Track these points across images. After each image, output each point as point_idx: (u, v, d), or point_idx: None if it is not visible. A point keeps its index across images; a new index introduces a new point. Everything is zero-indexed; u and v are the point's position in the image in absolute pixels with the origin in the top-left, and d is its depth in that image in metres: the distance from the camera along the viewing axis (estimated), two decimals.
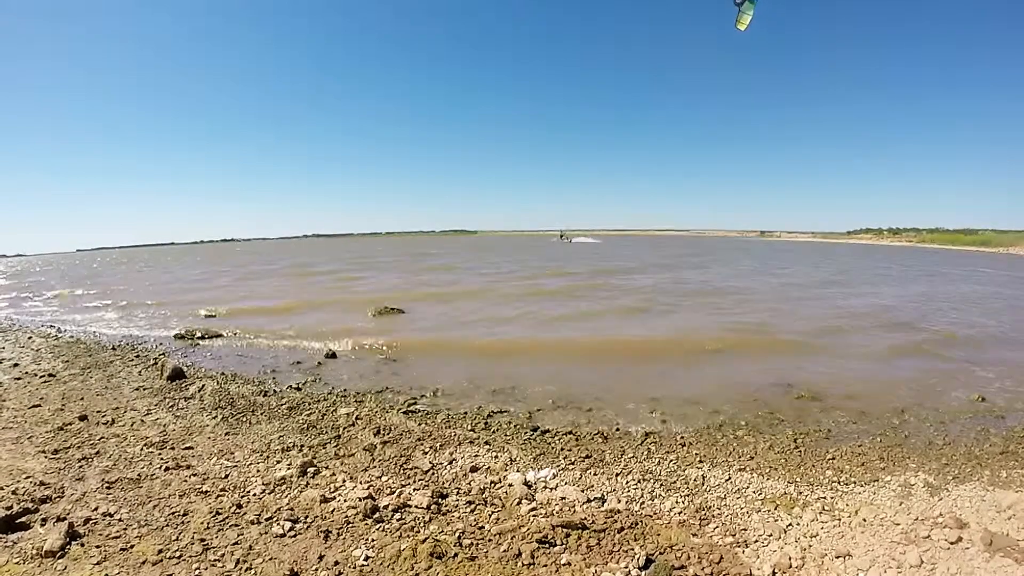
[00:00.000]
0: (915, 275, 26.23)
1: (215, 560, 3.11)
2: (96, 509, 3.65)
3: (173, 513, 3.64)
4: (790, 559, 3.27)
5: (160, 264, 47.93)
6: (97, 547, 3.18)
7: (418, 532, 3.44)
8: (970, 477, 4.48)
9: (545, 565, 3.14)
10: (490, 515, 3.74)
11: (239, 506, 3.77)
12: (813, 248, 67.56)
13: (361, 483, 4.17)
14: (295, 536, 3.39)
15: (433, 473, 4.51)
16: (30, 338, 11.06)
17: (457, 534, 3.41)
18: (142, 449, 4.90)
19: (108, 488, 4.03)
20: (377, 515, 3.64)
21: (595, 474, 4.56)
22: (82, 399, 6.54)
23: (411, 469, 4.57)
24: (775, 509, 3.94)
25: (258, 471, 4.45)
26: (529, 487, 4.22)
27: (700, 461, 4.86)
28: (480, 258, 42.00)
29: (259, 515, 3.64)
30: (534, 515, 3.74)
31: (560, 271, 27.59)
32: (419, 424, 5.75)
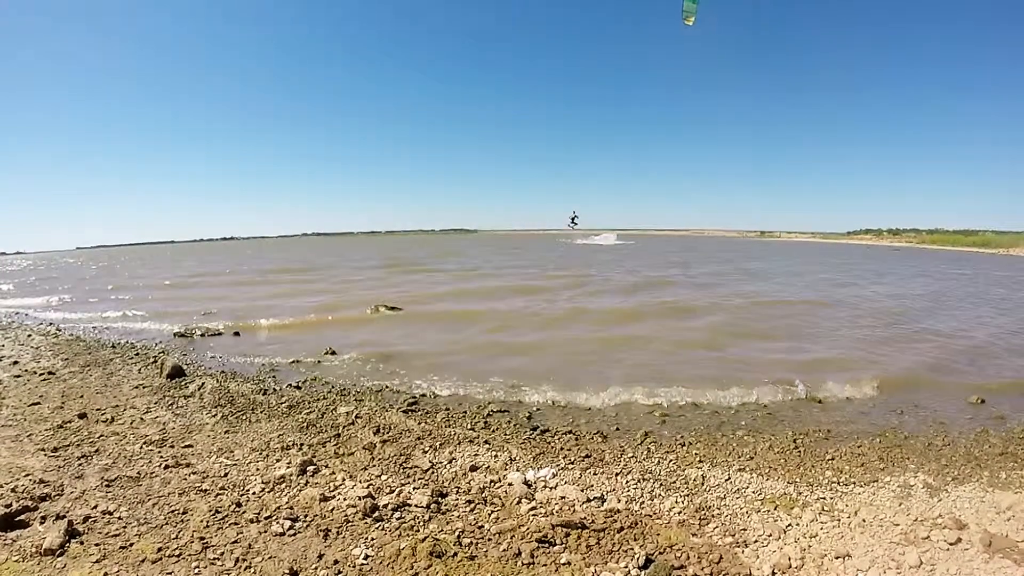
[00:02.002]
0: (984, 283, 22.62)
1: (214, 558, 3.11)
2: (95, 507, 3.64)
3: (172, 511, 3.63)
4: (790, 559, 3.28)
5: (162, 263, 47.89)
6: (96, 545, 3.17)
7: (418, 531, 3.44)
8: (969, 478, 4.49)
9: (545, 564, 3.14)
10: (490, 514, 3.74)
11: (238, 504, 3.76)
12: (830, 249, 65.00)
13: (361, 482, 4.17)
14: (294, 535, 3.39)
15: (433, 472, 4.51)
16: (29, 336, 11.05)
17: (457, 533, 3.41)
18: (142, 447, 4.90)
19: (107, 486, 4.02)
20: (377, 514, 3.64)
21: (595, 474, 4.56)
22: (82, 397, 6.54)
23: (411, 468, 4.56)
24: (775, 509, 3.95)
25: (258, 469, 4.44)
26: (529, 486, 4.22)
27: (700, 461, 4.86)
28: (496, 261, 38.09)
29: (259, 513, 3.64)
30: (534, 514, 3.74)
31: (586, 280, 22.57)
32: (419, 423, 5.75)
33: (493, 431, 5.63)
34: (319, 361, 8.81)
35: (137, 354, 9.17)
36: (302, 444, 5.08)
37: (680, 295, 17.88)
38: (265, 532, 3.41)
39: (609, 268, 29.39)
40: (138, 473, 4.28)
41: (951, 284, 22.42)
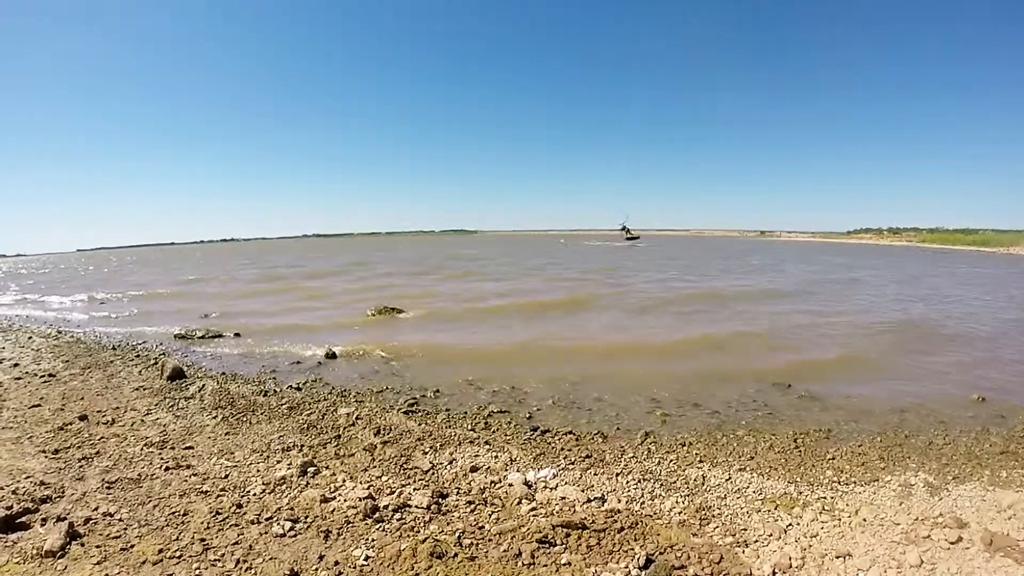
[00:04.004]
0: None
1: (215, 560, 3.11)
2: (96, 509, 3.65)
3: (173, 513, 3.64)
4: (790, 559, 3.27)
5: (162, 265, 47.91)
6: (97, 547, 3.18)
7: (418, 532, 3.44)
8: (970, 477, 4.48)
9: (545, 565, 3.14)
10: (490, 515, 3.74)
11: (239, 506, 3.77)
12: (845, 249, 61.67)
13: (361, 483, 4.17)
14: (295, 536, 3.39)
15: (433, 473, 4.51)
16: (30, 338, 11.07)
17: (457, 534, 3.41)
18: (142, 449, 4.90)
19: (108, 488, 4.03)
20: (377, 515, 3.64)
21: (595, 474, 4.56)
22: (82, 399, 6.54)
23: (411, 469, 4.57)
24: (775, 509, 3.94)
25: (258, 471, 4.45)
26: (529, 487, 4.22)
27: (700, 461, 4.85)
28: (522, 263, 34.87)
29: (259, 515, 3.64)
30: (534, 515, 3.74)
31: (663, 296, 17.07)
32: (419, 424, 5.75)
33: (493, 432, 5.63)
34: (320, 363, 8.81)
35: (138, 356, 9.18)
36: (303, 445, 5.08)
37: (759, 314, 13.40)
38: (266, 533, 3.41)
39: (640, 275, 25.62)
40: (139, 475, 4.29)
41: None
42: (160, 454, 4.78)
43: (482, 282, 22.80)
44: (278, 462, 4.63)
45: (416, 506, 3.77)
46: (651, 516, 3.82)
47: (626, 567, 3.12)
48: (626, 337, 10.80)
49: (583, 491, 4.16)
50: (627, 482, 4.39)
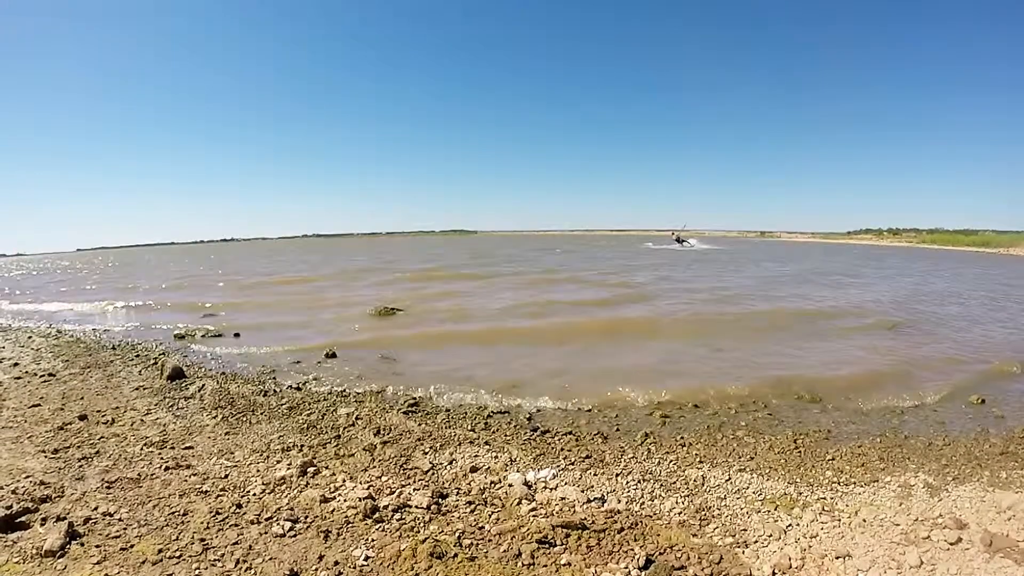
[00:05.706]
0: None
1: (215, 560, 3.11)
2: (96, 509, 3.65)
3: (173, 513, 3.64)
4: (790, 560, 3.27)
5: (162, 265, 47.89)
6: (97, 547, 3.18)
7: (418, 532, 3.44)
8: (970, 478, 4.48)
9: (545, 565, 3.14)
10: (490, 515, 3.74)
11: (239, 506, 3.77)
12: (860, 251, 56.63)
13: (361, 483, 4.17)
14: (295, 536, 3.39)
15: (433, 473, 4.51)
16: (30, 338, 11.06)
17: (457, 534, 3.41)
18: (142, 449, 4.90)
19: (108, 488, 4.03)
20: (377, 515, 3.64)
21: (595, 474, 4.56)
22: (82, 399, 6.54)
23: (411, 469, 4.56)
24: (775, 509, 3.94)
25: (258, 471, 4.45)
26: (529, 487, 4.22)
27: (700, 461, 4.86)
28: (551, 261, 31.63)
29: (259, 515, 3.64)
30: (534, 515, 3.74)
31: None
32: (419, 424, 5.75)
33: (493, 432, 5.63)
34: (320, 362, 8.81)
35: (137, 356, 9.17)
36: (302, 445, 5.08)
37: None
38: (266, 533, 3.41)
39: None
40: (138, 475, 4.29)
41: None
42: (160, 454, 4.78)
43: (489, 286, 21.58)
44: (278, 462, 4.63)
45: (416, 506, 3.77)
46: (651, 516, 3.82)
47: (626, 567, 3.12)
48: (686, 380, 7.65)
49: (583, 491, 4.16)
50: (627, 482, 4.40)
